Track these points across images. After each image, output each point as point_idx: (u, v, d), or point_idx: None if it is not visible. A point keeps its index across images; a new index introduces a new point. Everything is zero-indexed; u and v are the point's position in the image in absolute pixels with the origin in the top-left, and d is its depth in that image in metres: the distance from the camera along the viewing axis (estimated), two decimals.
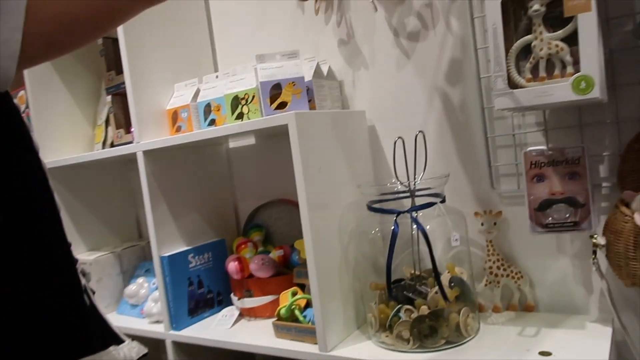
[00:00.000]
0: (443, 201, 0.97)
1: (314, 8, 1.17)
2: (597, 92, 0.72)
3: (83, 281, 0.54)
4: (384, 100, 1.17)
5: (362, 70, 1.19)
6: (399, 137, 0.93)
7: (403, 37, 1.12)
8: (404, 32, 1.12)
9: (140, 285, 1.42)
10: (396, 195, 0.99)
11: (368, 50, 1.17)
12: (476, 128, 1.03)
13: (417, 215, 0.94)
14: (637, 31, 0.78)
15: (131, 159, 1.26)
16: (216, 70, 1.45)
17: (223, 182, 1.45)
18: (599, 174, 0.94)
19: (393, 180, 0.98)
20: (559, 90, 0.75)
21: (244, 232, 1.42)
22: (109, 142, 1.51)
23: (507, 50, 0.79)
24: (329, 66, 1.20)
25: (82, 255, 1.50)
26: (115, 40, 1.43)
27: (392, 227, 0.93)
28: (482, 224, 1.01)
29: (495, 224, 1.01)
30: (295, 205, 1.25)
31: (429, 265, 0.95)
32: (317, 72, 1.14)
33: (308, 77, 1.12)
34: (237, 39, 1.37)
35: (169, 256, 1.22)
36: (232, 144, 1.46)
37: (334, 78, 1.21)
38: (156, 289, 1.32)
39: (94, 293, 0.57)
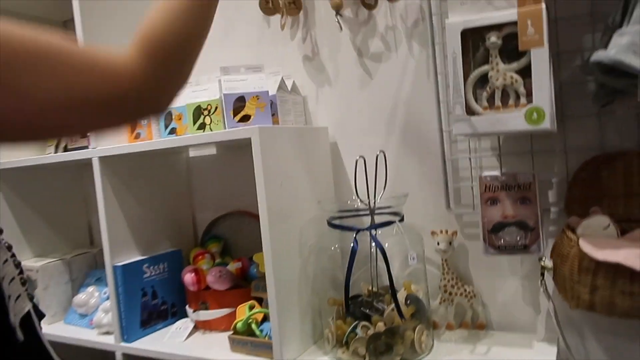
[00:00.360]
0: (402, 220, 0.99)
1: (280, 23, 1.17)
2: (547, 124, 0.76)
3: (25, 307, 0.50)
4: (347, 118, 1.19)
5: (326, 87, 1.20)
6: (360, 156, 0.95)
7: (367, 57, 1.15)
8: (367, 52, 1.14)
9: (90, 295, 1.37)
10: (356, 213, 1.00)
11: (332, 68, 1.19)
12: (435, 150, 1.06)
13: (376, 234, 0.96)
14: (585, 67, 0.83)
15: (86, 163, 1.23)
16: None
17: (182, 191, 1.43)
18: (548, 199, 0.98)
19: (353, 197, 1.00)
20: (513, 120, 0.78)
21: (201, 242, 1.40)
22: (62, 144, 1.46)
23: (465, 78, 0.82)
24: (293, 81, 1.20)
25: (29, 261, 1.44)
26: None
27: (352, 245, 0.94)
28: (438, 243, 1.04)
29: (450, 243, 1.04)
30: (255, 217, 1.25)
31: (387, 282, 0.97)
32: (282, 86, 1.14)
33: (272, 91, 1.12)
34: None
35: (123, 266, 1.19)
36: (193, 153, 1.44)
37: (297, 93, 1.22)
38: (107, 298, 1.28)
39: (41, 319, 0.53)
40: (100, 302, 1.35)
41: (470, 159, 1.04)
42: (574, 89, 0.92)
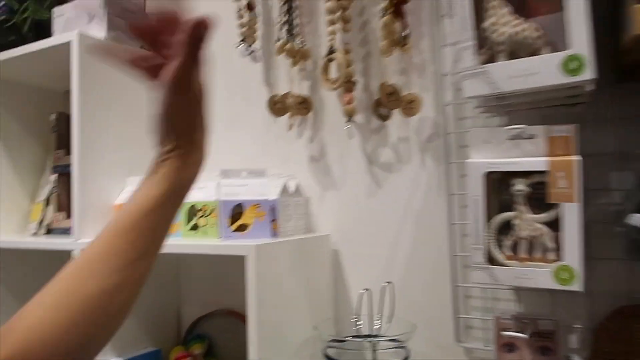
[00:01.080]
0: (406, 358, 0.89)
1: (287, 123, 1.12)
2: (578, 286, 0.68)
3: None
4: (351, 225, 1.11)
5: (331, 191, 1.13)
6: (366, 289, 0.86)
7: (376, 166, 1.08)
8: (377, 160, 1.08)
9: None
10: (358, 347, 0.91)
11: (339, 172, 1.12)
12: (444, 273, 0.98)
13: None
14: (617, 219, 0.76)
15: (70, 249, 1.13)
16: None
17: (168, 283, 1.32)
18: (568, 345, 0.89)
19: (353, 318, 0.91)
20: (540, 276, 0.70)
21: (184, 341, 1.29)
22: (45, 223, 1.37)
23: (487, 219, 0.75)
24: (297, 182, 1.13)
25: None
26: (69, 117, 1.33)
27: None
28: None
29: None
30: (243, 319, 1.15)
31: None
32: (285, 190, 1.07)
33: (274, 195, 1.04)
34: None
35: None
36: None
37: (300, 194, 1.15)
38: None
39: None
40: None
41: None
42: (601, 228, 0.85)
